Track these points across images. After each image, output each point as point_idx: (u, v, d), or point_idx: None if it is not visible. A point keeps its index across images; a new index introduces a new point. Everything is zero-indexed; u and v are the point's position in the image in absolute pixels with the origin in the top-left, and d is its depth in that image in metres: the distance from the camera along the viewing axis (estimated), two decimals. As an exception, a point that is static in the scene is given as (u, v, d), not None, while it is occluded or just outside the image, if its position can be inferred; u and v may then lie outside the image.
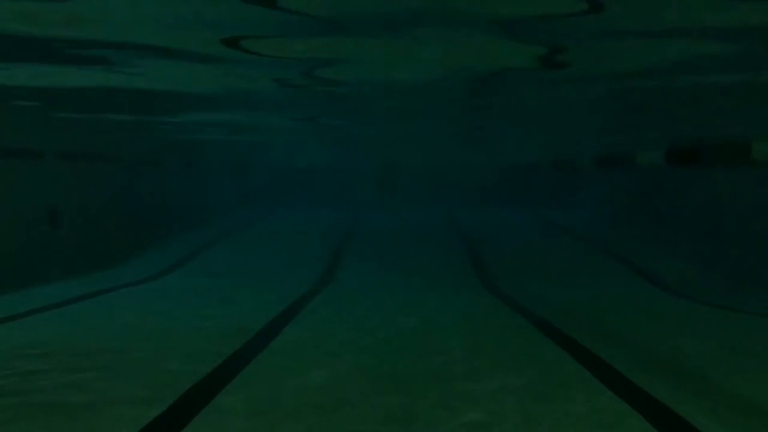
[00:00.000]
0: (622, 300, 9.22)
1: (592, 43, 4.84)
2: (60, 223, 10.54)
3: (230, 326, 6.93)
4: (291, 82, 6.65)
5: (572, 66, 5.69)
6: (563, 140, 13.22)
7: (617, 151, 13.60)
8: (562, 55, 5.29)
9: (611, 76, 6.19)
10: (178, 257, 12.40)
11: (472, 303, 8.68)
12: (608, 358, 5.75)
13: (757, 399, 4.70)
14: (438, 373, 5.23)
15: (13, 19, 4.42)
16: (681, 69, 5.77)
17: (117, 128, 11.34)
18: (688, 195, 12.82)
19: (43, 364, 5.36)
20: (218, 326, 6.95)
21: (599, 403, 4.52)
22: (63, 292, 8.91)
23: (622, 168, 14.85)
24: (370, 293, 9.21)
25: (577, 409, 4.41)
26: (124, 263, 11.72)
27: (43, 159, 10.34)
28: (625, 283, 10.80)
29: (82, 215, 11.14)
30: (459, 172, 21.75)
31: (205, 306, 8.21)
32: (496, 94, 7.34)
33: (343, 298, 8.78)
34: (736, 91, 6.75)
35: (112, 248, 11.89)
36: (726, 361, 5.80)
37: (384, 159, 20.41)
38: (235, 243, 14.25)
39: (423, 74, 6.19)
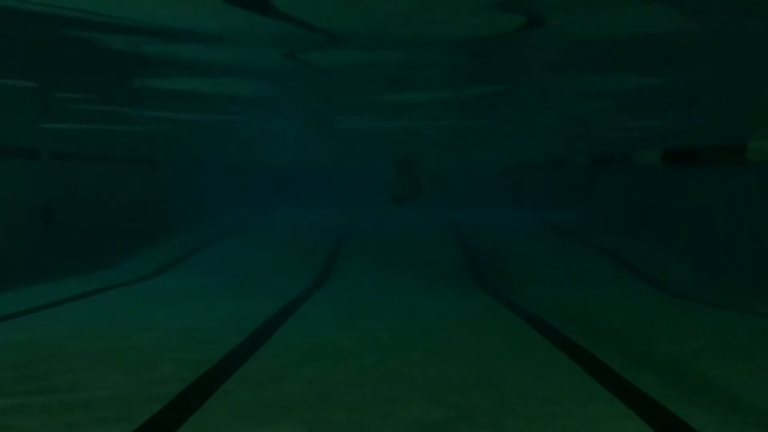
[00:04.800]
0: (619, 300, 9.21)
1: None
2: (53, 221, 10.50)
3: (227, 326, 6.90)
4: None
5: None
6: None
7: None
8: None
9: None
10: (173, 257, 12.37)
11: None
12: (604, 357, 5.73)
13: (754, 399, 4.68)
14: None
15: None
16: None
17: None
18: (685, 195, 12.79)
19: (37, 364, 5.32)
20: (214, 326, 6.92)
21: (595, 403, 4.50)
22: (57, 292, 8.88)
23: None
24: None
25: (572, 408, 4.38)
26: (119, 263, 11.69)
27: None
28: (622, 283, 10.79)
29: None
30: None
31: (200, 306, 8.18)
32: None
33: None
34: None
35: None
36: (724, 360, 5.79)
37: (401, 155, 17.05)
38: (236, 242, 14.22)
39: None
